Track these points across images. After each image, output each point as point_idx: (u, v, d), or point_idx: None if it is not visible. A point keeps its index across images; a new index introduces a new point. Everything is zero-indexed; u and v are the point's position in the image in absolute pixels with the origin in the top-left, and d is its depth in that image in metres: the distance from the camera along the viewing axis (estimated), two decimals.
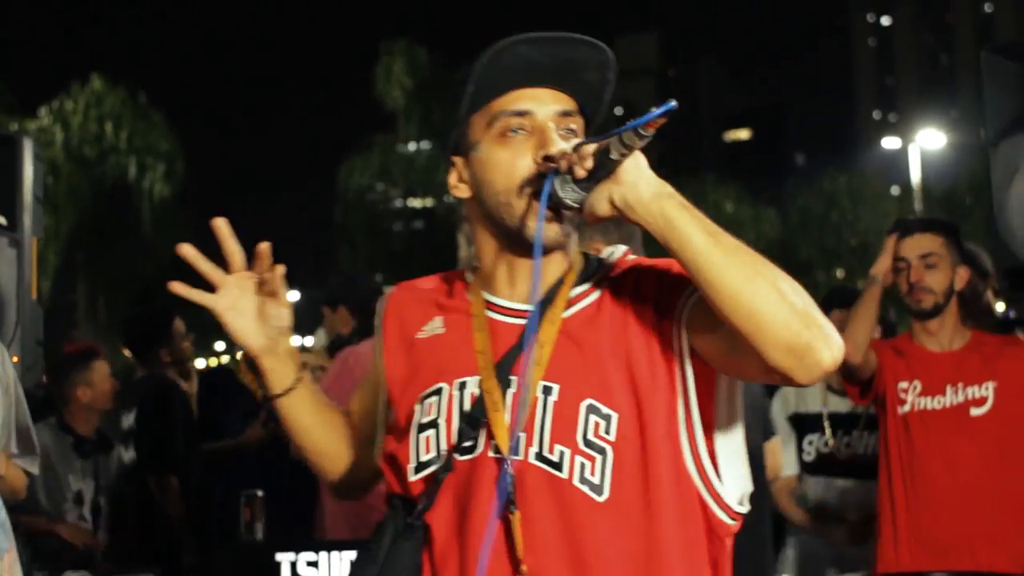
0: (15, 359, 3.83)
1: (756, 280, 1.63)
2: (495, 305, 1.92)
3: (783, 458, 4.70)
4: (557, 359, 1.82)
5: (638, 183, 1.68)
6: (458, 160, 1.93)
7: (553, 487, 1.77)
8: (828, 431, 4.70)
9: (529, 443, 1.79)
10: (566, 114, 1.86)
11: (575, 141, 1.79)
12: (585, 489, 1.76)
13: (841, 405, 4.70)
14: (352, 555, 4.00)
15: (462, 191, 1.94)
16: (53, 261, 22.24)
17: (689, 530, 1.79)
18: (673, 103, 1.61)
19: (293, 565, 4.00)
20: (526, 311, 1.87)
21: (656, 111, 1.61)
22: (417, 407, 1.90)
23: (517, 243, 1.86)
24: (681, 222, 1.67)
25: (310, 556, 4.00)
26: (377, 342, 2.05)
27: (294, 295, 34.95)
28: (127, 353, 5.94)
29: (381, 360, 2.02)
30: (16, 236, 3.88)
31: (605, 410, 1.78)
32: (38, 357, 4.09)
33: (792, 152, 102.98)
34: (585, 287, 1.89)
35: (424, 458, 1.86)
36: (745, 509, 1.85)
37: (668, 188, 1.70)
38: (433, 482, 1.84)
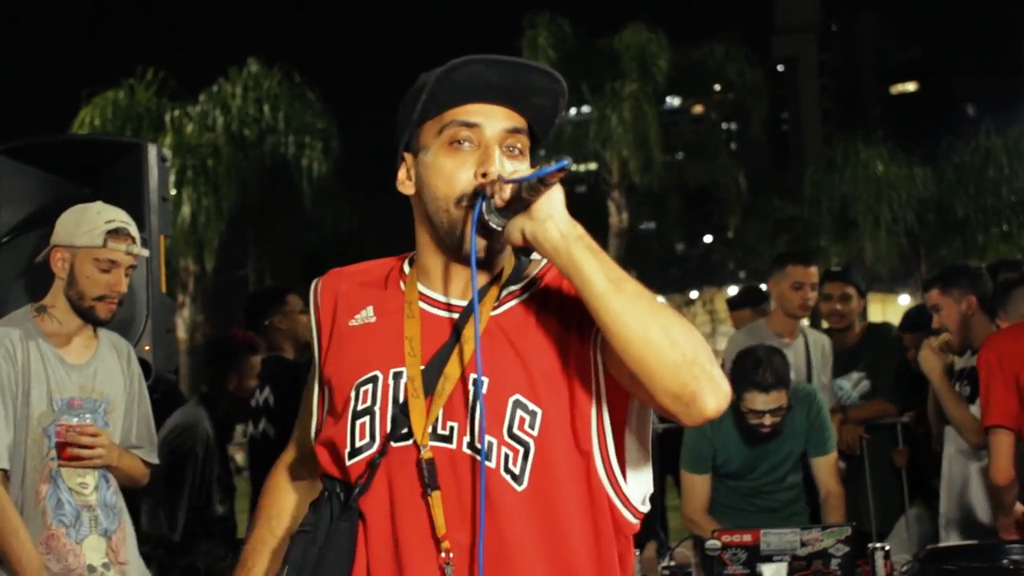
0: (147, 348, 4.19)
1: (650, 329, 1.76)
2: (428, 297, 2.03)
3: None
4: (487, 354, 1.93)
5: (546, 221, 1.83)
6: (408, 157, 2.04)
7: (479, 474, 1.91)
8: None
9: (463, 432, 1.94)
10: (514, 131, 1.98)
11: (510, 166, 1.93)
12: (507, 478, 1.91)
13: None
14: None
15: (408, 188, 2.04)
16: (215, 240, 22.99)
17: (599, 524, 1.96)
18: (567, 161, 1.77)
19: None
20: (458, 306, 2.01)
21: (551, 167, 1.77)
22: (352, 393, 2.00)
23: (451, 247, 1.98)
24: (585, 265, 1.80)
25: None
26: (311, 327, 2.14)
27: None
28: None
29: (315, 345, 2.12)
30: (144, 235, 4.20)
31: (531, 406, 1.92)
32: (171, 344, 4.45)
33: (961, 104, 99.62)
34: (514, 288, 2.02)
35: (359, 444, 1.98)
36: (647, 508, 2.01)
37: (578, 230, 1.84)
38: (369, 466, 1.96)
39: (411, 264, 2.10)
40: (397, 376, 1.99)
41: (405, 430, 1.96)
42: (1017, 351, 4.43)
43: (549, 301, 1.99)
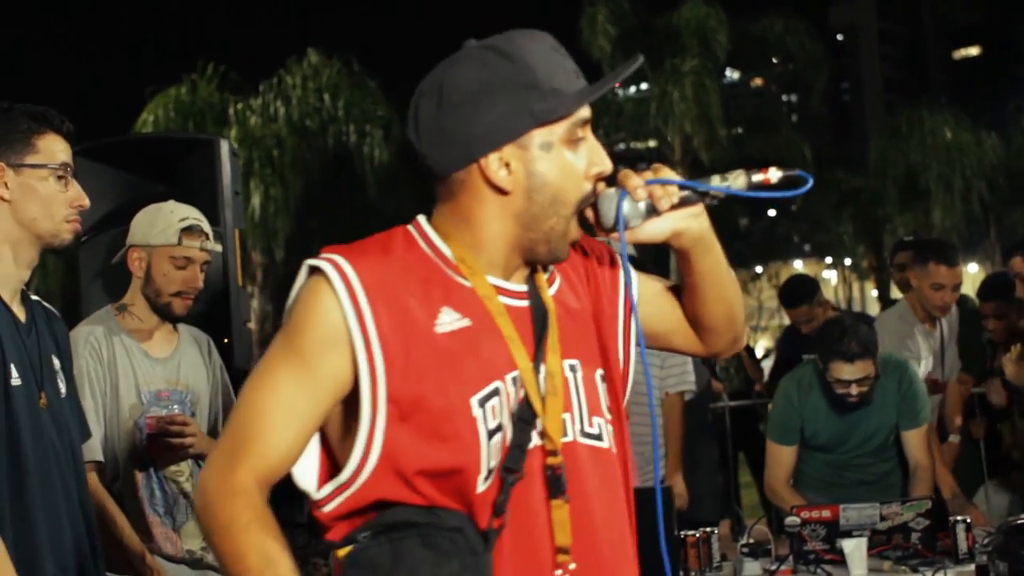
0: (225, 341, 4.26)
1: (738, 293, 2.16)
2: (500, 288, 1.90)
3: None
4: (563, 336, 1.91)
5: (700, 216, 1.99)
6: (511, 150, 1.85)
7: (598, 460, 1.90)
8: None
9: (573, 422, 1.88)
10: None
11: (647, 173, 1.92)
12: (614, 453, 1.98)
13: None
14: None
15: (504, 181, 1.86)
16: (285, 229, 23.20)
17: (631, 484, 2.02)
18: (731, 190, 1.92)
19: None
20: (520, 291, 1.92)
21: (721, 187, 1.92)
22: (478, 412, 1.80)
23: (547, 245, 1.89)
24: (718, 248, 2.06)
25: None
26: (352, 327, 1.80)
27: None
28: None
29: (362, 352, 1.79)
30: (219, 229, 4.27)
31: (605, 376, 2.00)
32: (247, 336, 4.52)
33: None
34: (550, 269, 2.00)
35: (492, 465, 1.81)
36: None
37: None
38: (503, 487, 1.79)
39: (434, 250, 1.91)
40: (514, 381, 1.85)
41: (532, 439, 1.84)
42: None
43: (569, 275, 2.03)
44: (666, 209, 1.91)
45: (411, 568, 1.74)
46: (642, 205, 1.91)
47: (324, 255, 1.84)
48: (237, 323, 4.34)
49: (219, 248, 3.89)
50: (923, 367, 5.32)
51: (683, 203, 1.93)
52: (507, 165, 1.86)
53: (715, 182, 1.92)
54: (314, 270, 1.84)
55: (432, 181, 1.92)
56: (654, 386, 5.68)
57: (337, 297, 1.80)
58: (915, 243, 5.74)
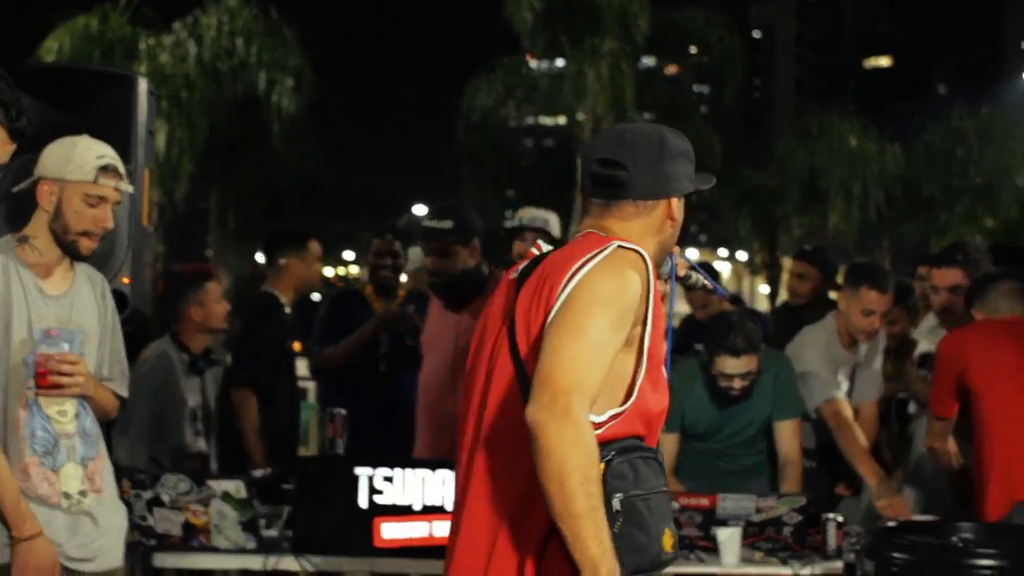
0: (125, 280, 4.20)
1: None
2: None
3: None
4: None
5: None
6: (674, 202, 2.72)
7: None
8: None
9: None
10: None
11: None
12: None
13: None
14: (426, 472, 4.34)
15: (677, 216, 2.73)
16: (188, 170, 22.87)
17: None
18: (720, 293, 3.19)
19: (370, 479, 4.32)
20: None
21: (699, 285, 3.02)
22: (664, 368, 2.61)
23: (661, 259, 2.77)
24: None
25: (386, 472, 4.32)
26: (648, 298, 2.53)
27: (420, 209, 35.36)
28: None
29: (648, 315, 2.53)
30: (129, 167, 4.20)
31: None
32: (148, 278, 4.46)
33: (934, 82, 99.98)
34: None
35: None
36: None
37: None
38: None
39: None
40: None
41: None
42: (970, 351, 4.63)
43: None
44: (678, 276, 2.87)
45: (644, 479, 2.45)
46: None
47: (629, 244, 2.56)
48: (139, 263, 4.27)
49: (131, 189, 3.83)
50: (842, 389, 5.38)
51: (683, 279, 2.91)
52: (671, 213, 2.72)
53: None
54: (623, 250, 2.54)
55: (615, 196, 2.65)
56: None
57: (643, 278, 2.53)
58: (851, 266, 5.69)
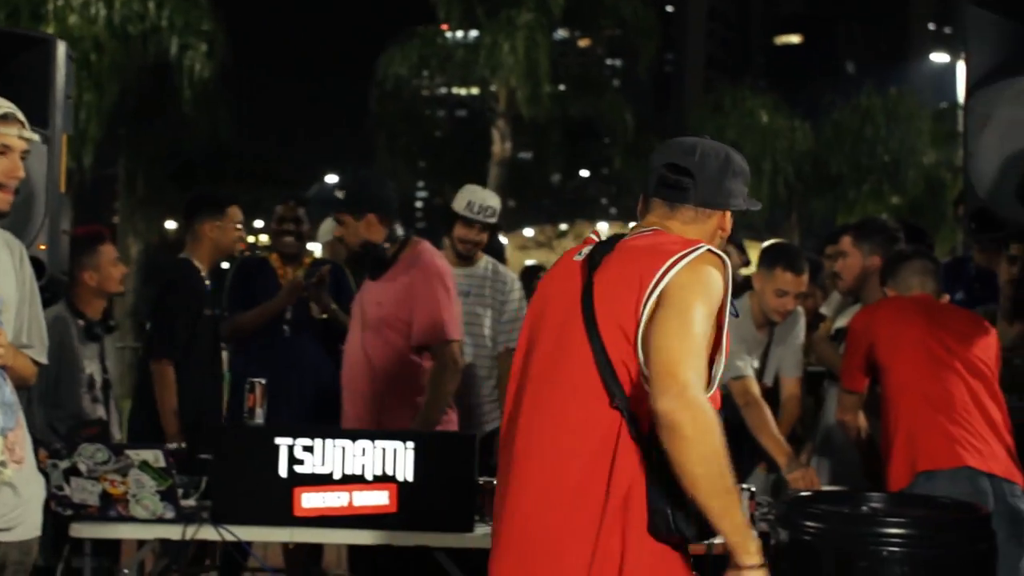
0: (42, 247, 4.15)
1: None
2: None
3: None
4: None
5: None
6: (728, 215, 3.01)
7: None
8: None
9: None
10: None
11: None
12: None
13: None
14: (345, 443, 4.34)
15: (727, 228, 3.03)
16: (96, 135, 22.42)
17: None
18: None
19: (290, 449, 4.32)
20: None
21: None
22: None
23: None
24: None
25: (306, 442, 4.32)
26: (727, 296, 2.80)
27: (332, 179, 35.11)
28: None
29: (729, 305, 2.81)
30: (47, 133, 4.14)
31: None
32: (65, 245, 4.41)
33: (842, 60, 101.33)
34: None
35: None
36: None
37: None
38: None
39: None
40: None
41: None
42: (878, 327, 4.78)
43: None
44: None
45: None
46: None
47: (713, 248, 2.82)
48: (55, 230, 4.22)
49: (37, 138, 3.72)
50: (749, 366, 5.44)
51: None
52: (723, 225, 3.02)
53: None
54: (710, 253, 2.79)
55: (679, 200, 2.93)
56: (488, 337, 6.01)
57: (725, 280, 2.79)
58: (766, 248, 5.74)
